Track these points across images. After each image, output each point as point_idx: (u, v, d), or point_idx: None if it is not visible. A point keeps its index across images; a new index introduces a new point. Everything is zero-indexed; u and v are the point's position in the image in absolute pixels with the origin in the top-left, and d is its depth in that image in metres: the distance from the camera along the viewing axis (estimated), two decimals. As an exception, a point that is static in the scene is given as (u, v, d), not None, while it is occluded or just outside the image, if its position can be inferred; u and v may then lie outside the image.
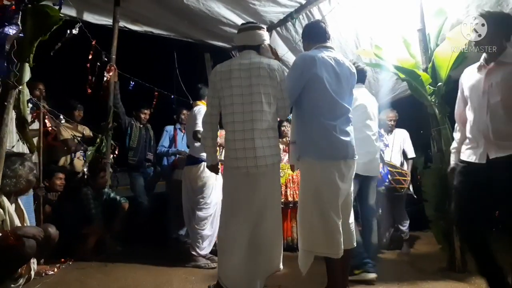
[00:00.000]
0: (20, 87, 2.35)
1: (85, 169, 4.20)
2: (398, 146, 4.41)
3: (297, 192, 4.03)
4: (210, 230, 3.59)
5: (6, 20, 1.88)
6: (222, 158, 3.04)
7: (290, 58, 4.91)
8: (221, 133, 3.32)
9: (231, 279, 2.38)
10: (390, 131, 4.45)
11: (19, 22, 1.96)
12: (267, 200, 2.46)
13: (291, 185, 4.19)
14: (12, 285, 2.32)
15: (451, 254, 3.20)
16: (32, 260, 2.48)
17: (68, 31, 3.72)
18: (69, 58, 4.39)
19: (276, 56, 2.63)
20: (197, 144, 3.50)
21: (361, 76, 3.15)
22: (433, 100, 3.33)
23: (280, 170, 2.97)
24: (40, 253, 2.60)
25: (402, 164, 4.39)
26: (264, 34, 2.57)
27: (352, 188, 2.55)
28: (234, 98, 2.40)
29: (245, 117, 2.38)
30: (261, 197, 2.43)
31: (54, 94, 4.63)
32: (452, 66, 3.25)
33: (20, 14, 1.99)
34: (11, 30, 1.90)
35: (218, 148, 3.42)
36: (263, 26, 2.62)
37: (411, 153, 4.43)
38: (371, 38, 4.10)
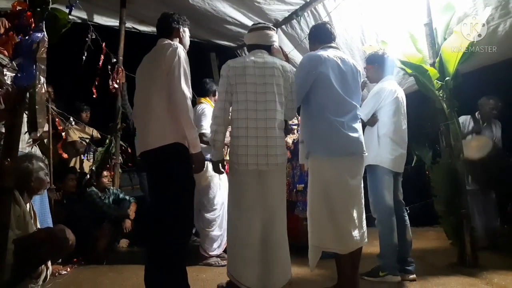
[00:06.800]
0: (31, 90, 2.38)
1: (93, 168, 4.24)
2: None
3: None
4: (219, 230, 3.56)
5: (23, 26, 1.90)
6: (227, 158, 3.00)
7: (296, 55, 4.91)
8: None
9: (244, 275, 2.36)
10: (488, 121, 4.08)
11: (43, 28, 1.98)
12: (277, 200, 2.45)
13: None
14: (32, 285, 2.36)
15: (461, 249, 3.19)
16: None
17: (87, 38, 3.81)
18: (77, 60, 4.43)
19: (286, 58, 2.68)
20: (202, 145, 3.48)
21: (390, 66, 3.14)
22: (441, 94, 3.31)
23: None
24: (57, 256, 2.64)
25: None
26: (275, 35, 2.59)
27: (362, 185, 2.54)
28: (248, 95, 2.39)
29: (259, 115, 2.38)
30: (271, 197, 2.42)
31: (63, 97, 4.69)
32: (460, 61, 3.23)
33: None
34: (36, 36, 1.93)
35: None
36: (273, 27, 2.64)
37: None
38: (377, 33, 4.08)
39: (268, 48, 2.55)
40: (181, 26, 2.48)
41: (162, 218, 2.26)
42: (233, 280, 2.40)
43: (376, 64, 3.11)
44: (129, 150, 4.60)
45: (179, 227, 2.27)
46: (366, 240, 2.52)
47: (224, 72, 2.46)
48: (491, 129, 4.11)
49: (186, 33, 2.53)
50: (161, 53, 2.28)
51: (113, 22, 4.87)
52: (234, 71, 2.41)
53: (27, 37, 1.91)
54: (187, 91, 2.24)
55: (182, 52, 2.28)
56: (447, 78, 3.27)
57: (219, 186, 3.56)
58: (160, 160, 2.27)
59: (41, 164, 2.61)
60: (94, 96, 4.55)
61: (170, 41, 2.37)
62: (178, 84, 2.20)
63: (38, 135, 2.22)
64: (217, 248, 3.56)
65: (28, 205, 2.53)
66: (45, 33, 1.98)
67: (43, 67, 2.03)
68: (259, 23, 2.72)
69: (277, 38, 2.64)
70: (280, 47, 2.66)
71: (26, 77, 1.96)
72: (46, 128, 3.70)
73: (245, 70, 2.41)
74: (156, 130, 2.25)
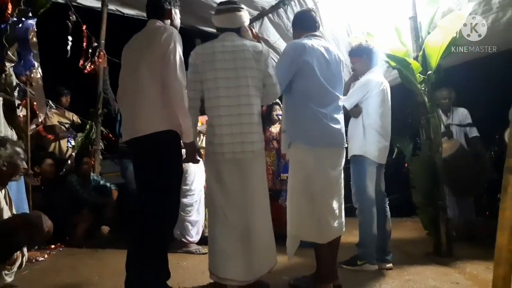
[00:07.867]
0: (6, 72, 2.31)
1: (73, 154, 4.17)
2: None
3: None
4: (196, 216, 3.58)
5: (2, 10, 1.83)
6: (203, 145, 2.96)
7: (282, 45, 4.88)
8: (202, 120, 3.28)
9: (225, 267, 2.29)
10: (447, 111, 4.20)
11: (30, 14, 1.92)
12: (256, 188, 2.37)
13: None
14: (6, 272, 2.31)
15: (437, 239, 3.28)
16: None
17: (68, 22, 3.72)
18: (56, 42, 4.29)
19: (257, 38, 2.57)
20: None
21: (376, 58, 3.14)
22: (423, 88, 3.35)
23: None
24: (33, 242, 2.59)
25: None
26: (244, 15, 2.44)
27: (342, 176, 2.56)
28: (219, 82, 2.29)
29: (231, 101, 2.29)
30: (251, 185, 2.35)
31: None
32: (442, 55, 3.26)
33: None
34: (29, 23, 1.87)
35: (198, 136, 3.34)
36: (242, 6, 2.48)
37: (472, 132, 4.17)
38: (363, 25, 4.08)
39: (238, 30, 2.42)
40: (173, 8, 2.39)
41: (149, 206, 2.21)
42: (215, 279, 2.32)
43: (364, 56, 3.09)
44: (111, 136, 4.53)
45: (166, 215, 2.24)
46: (344, 229, 2.55)
47: (191, 60, 2.35)
48: (458, 119, 4.17)
49: (177, 14, 2.44)
50: (155, 36, 2.18)
51: (95, 3, 4.74)
52: (202, 58, 2.30)
53: (20, 25, 1.85)
54: (183, 79, 2.16)
55: (178, 37, 2.20)
56: (429, 72, 3.31)
57: (196, 173, 3.58)
58: (150, 147, 2.20)
59: (16, 149, 2.49)
60: (85, 71, 4.36)
61: (162, 23, 2.28)
62: (174, 72, 2.12)
63: (40, 120, 2.15)
64: (195, 234, 3.57)
65: (3, 191, 2.47)
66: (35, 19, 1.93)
67: (35, 51, 1.98)
68: (226, 2, 2.50)
69: (247, 17, 2.49)
70: (249, 26, 2.52)
71: (25, 64, 1.91)
72: (24, 112, 3.60)
73: (214, 56, 2.29)
74: (147, 116, 2.17)
